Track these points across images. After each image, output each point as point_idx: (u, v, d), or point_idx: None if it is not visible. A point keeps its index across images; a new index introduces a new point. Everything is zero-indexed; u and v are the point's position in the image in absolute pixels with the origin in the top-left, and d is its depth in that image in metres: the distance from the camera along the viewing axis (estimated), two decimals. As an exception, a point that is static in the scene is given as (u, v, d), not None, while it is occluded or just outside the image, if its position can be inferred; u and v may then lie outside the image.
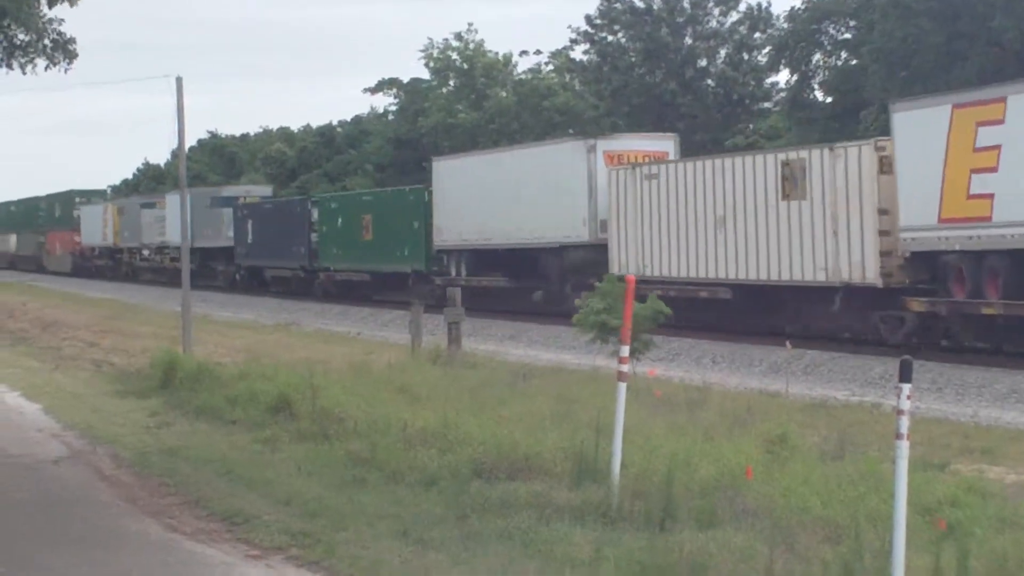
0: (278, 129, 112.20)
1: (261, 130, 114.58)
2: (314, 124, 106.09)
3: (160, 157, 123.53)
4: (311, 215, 57.94)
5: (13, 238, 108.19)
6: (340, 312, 49.83)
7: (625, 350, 13.72)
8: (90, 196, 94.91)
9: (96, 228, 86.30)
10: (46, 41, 18.79)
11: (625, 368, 13.59)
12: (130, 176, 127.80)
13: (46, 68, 19.06)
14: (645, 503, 12.54)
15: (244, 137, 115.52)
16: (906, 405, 9.80)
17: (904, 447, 9.83)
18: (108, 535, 13.62)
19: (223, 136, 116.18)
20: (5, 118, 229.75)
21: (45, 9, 18.57)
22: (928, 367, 26.17)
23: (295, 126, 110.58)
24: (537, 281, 42.95)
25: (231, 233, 65.09)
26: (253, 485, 15.24)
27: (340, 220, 55.38)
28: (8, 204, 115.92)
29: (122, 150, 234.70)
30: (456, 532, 12.42)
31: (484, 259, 45.92)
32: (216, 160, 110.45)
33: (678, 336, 33.04)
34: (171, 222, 66.63)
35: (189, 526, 13.75)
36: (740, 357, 31.17)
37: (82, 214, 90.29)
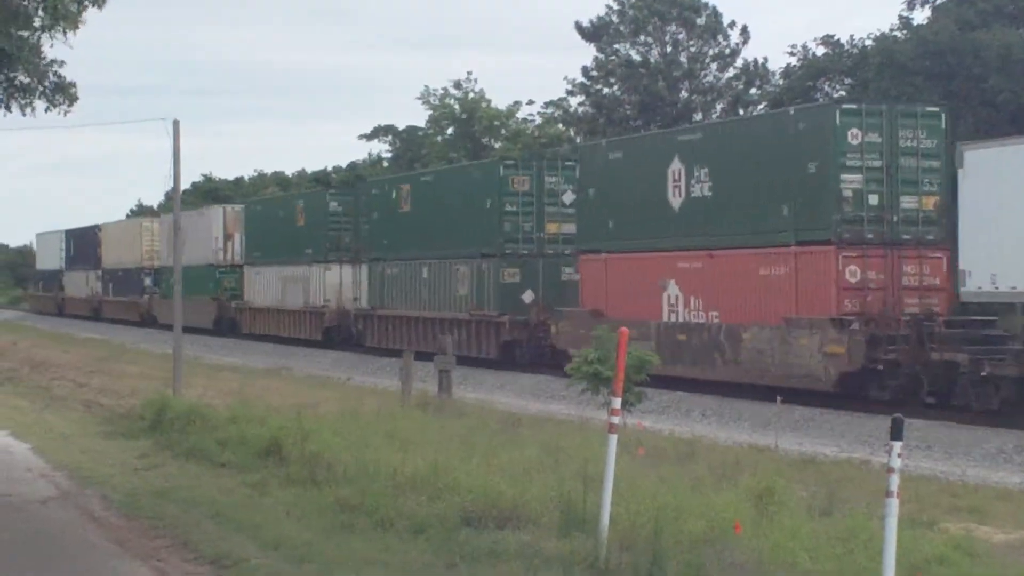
0: (272, 173, 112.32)
1: (256, 174, 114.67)
2: (309, 169, 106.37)
3: (154, 199, 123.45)
4: None
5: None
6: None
7: (617, 402, 13.64)
8: None
9: None
10: (46, 84, 18.81)
11: (616, 420, 13.53)
12: (124, 217, 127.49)
13: (46, 110, 19.05)
14: (633, 555, 12.51)
15: (238, 181, 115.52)
16: (897, 463, 9.83)
17: (894, 505, 9.85)
18: (96, 577, 13.60)
19: (217, 179, 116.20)
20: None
21: (47, 50, 18.56)
22: (917, 425, 26.20)
23: (290, 171, 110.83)
24: None
25: None
26: (242, 528, 15.20)
27: None
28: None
29: (115, 191, 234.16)
30: (444, 580, 12.41)
31: None
32: (210, 203, 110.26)
33: (669, 389, 33.07)
34: None
35: (177, 569, 13.70)
36: (729, 411, 31.17)
37: None
